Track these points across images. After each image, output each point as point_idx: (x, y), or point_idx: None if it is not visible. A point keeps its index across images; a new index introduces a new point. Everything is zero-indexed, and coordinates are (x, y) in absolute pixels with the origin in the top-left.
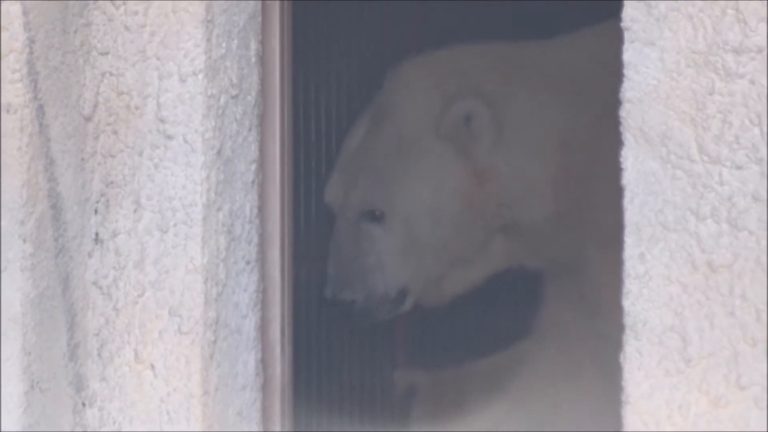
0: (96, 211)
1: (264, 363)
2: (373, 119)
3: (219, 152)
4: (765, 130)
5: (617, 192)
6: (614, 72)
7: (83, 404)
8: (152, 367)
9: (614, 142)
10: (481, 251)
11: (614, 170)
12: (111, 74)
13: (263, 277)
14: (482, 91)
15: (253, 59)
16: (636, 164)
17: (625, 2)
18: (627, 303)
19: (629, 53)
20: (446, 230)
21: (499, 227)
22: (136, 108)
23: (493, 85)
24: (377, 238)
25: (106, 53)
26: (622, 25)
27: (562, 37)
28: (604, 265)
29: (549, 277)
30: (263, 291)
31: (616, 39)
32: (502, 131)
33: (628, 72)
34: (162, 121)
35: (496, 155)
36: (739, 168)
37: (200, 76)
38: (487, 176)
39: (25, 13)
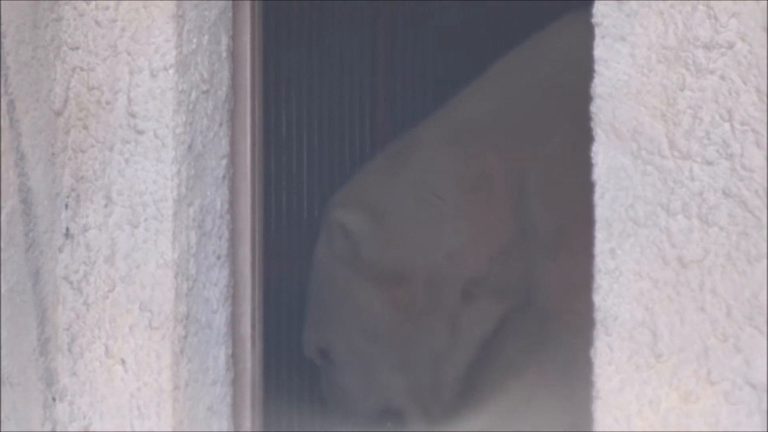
0: (66, 206)
1: (234, 358)
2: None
3: (190, 147)
4: (735, 125)
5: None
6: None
7: (53, 399)
8: (123, 362)
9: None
10: (455, 336)
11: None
12: (82, 69)
13: (234, 273)
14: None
15: (224, 54)
16: (606, 160)
17: None
18: (598, 298)
19: (600, 49)
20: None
21: (459, 300)
22: (107, 103)
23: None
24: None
25: (77, 48)
26: (593, 20)
27: (542, 43)
28: (554, 270)
29: None
30: (234, 286)
31: (584, 34)
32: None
33: (598, 67)
34: (133, 116)
35: None
36: (709, 163)
37: (171, 71)
38: None
39: None
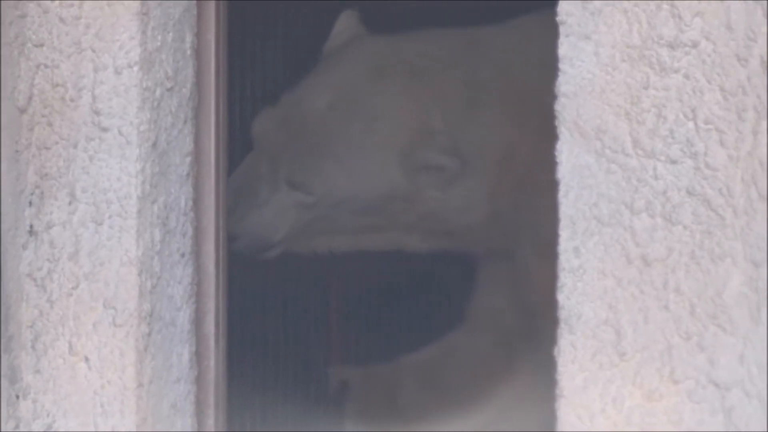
0: (30, 203)
1: (198, 356)
2: (341, 98)
3: (154, 145)
4: (699, 124)
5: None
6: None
7: (17, 396)
8: (86, 359)
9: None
10: (381, 236)
11: (552, 168)
12: (46, 66)
13: (198, 270)
14: (451, 133)
15: (189, 52)
16: (571, 158)
17: None
18: (561, 296)
19: (564, 47)
20: (365, 220)
21: (421, 230)
22: (71, 100)
23: (457, 116)
24: (292, 202)
25: (41, 45)
26: (558, 19)
27: (503, 30)
28: (540, 263)
29: (482, 265)
30: (198, 284)
31: (547, 32)
32: (461, 173)
33: (563, 66)
34: (97, 113)
35: (446, 188)
36: (673, 162)
37: (135, 68)
38: (424, 200)
39: None
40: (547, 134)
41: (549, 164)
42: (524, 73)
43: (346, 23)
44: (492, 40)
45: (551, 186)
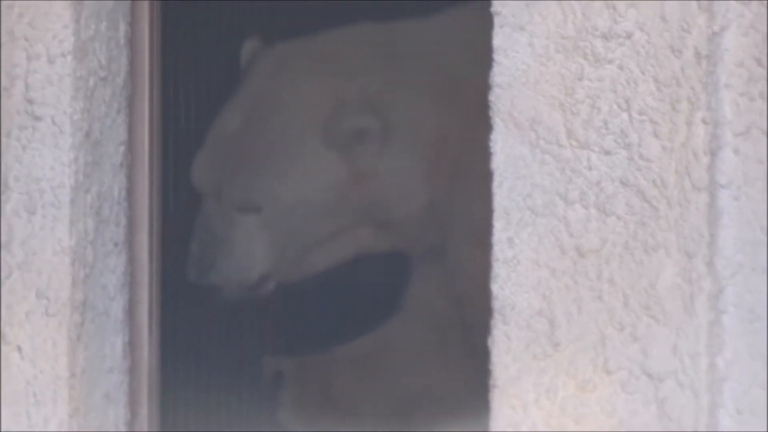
0: None
1: (131, 345)
2: (255, 106)
3: (87, 134)
4: (633, 115)
5: (488, 183)
6: (480, 57)
7: None
8: (19, 348)
9: (487, 129)
10: (345, 240)
11: (486, 159)
12: None
13: (131, 260)
14: (370, 99)
15: (122, 41)
16: (505, 149)
17: None
18: (495, 287)
19: (499, 38)
20: (317, 223)
21: (371, 221)
22: (4, 89)
23: (378, 88)
24: (250, 229)
25: None
26: (492, 10)
27: (432, 21)
28: (472, 254)
29: (416, 257)
30: (131, 273)
31: (482, 23)
32: (386, 138)
33: (497, 57)
34: (30, 102)
35: (378, 159)
36: (607, 153)
37: (69, 57)
38: (367, 177)
39: None
40: (480, 125)
41: (482, 154)
42: (454, 63)
43: (250, 51)
44: (418, 30)
45: (484, 176)
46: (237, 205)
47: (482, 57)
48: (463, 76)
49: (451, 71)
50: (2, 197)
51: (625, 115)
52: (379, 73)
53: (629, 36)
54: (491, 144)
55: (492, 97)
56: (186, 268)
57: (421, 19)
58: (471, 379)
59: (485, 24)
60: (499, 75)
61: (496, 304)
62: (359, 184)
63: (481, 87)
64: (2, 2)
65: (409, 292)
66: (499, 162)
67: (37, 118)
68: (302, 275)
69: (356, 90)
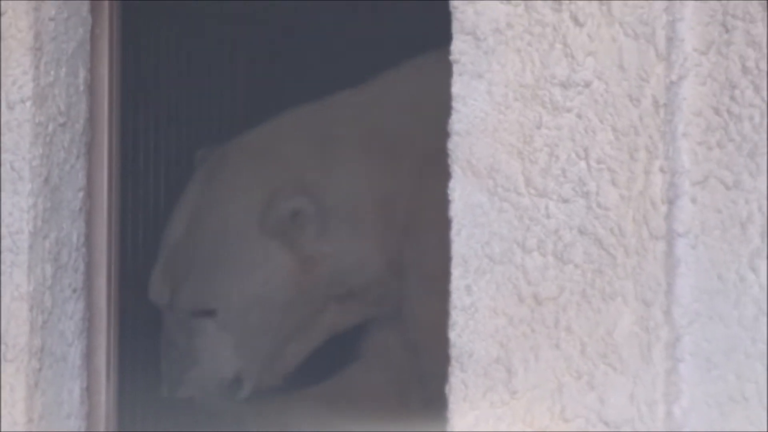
0: None
1: (89, 391)
2: (195, 212)
3: (46, 180)
4: (591, 163)
5: (443, 230)
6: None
7: None
8: None
9: (438, 180)
10: (313, 325)
11: (439, 209)
12: None
13: (89, 306)
14: (304, 182)
15: (82, 87)
16: (463, 196)
17: (454, 35)
18: (453, 334)
19: (458, 86)
20: (277, 317)
21: (330, 299)
22: None
23: (313, 173)
24: (210, 333)
25: None
26: (451, 58)
27: (374, 85)
28: (427, 302)
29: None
30: (89, 319)
31: (439, 70)
32: (325, 219)
33: (456, 104)
34: None
35: (321, 241)
36: (565, 201)
37: (28, 103)
38: (314, 262)
39: None
40: (431, 175)
41: (433, 203)
42: (397, 121)
43: (200, 160)
44: (357, 101)
45: (437, 224)
46: (191, 311)
47: (435, 105)
48: (407, 132)
49: (393, 131)
50: None
51: (583, 164)
52: (314, 157)
53: (588, 85)
54: (449, 192)
55: (450, 145)
56: (160, 387)
57: (362, 86)
58: (428, 426)
59: (442, 70)
60: (457, 123)
61: (454, 352)
62: (308, 269)
63: (431, 135)
64: None
65: (367, 337)
66: (457, 210)
67: None
68: (281, 372)
69: (291, 178)
